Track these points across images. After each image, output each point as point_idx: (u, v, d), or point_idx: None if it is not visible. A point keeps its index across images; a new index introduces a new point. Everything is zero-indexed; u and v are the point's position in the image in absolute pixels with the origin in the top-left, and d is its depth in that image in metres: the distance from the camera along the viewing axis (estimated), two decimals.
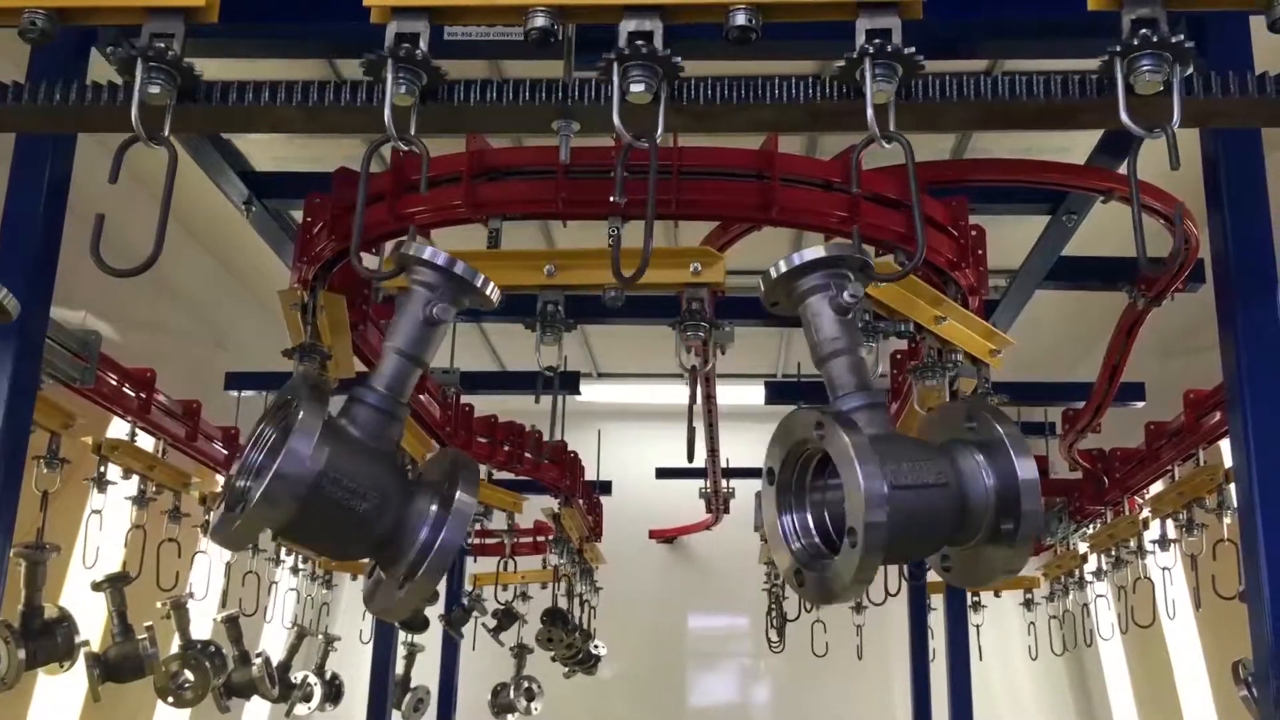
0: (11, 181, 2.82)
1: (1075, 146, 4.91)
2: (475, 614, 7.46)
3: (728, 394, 6.51)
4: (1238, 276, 2.56)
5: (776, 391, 6.86)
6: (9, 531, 2.71)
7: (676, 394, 8.76)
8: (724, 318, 4.08)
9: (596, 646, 8.02)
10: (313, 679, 7.41)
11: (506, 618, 7.31)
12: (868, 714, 11.11)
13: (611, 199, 2.67)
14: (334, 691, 7.66)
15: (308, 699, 7.38)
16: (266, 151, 5.52)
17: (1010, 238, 4.61)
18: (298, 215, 3.56)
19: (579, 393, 5.88)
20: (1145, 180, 3.41)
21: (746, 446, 7.43)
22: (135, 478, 4.69)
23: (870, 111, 1.86)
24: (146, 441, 4.68)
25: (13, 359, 2.66)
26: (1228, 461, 4.61)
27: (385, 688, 6.46)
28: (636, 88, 1.89)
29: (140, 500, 4.73)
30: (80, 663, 4.32)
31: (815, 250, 1.95)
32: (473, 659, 7.80)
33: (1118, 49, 1.80)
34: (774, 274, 1.96)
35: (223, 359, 6.53)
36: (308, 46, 3.68)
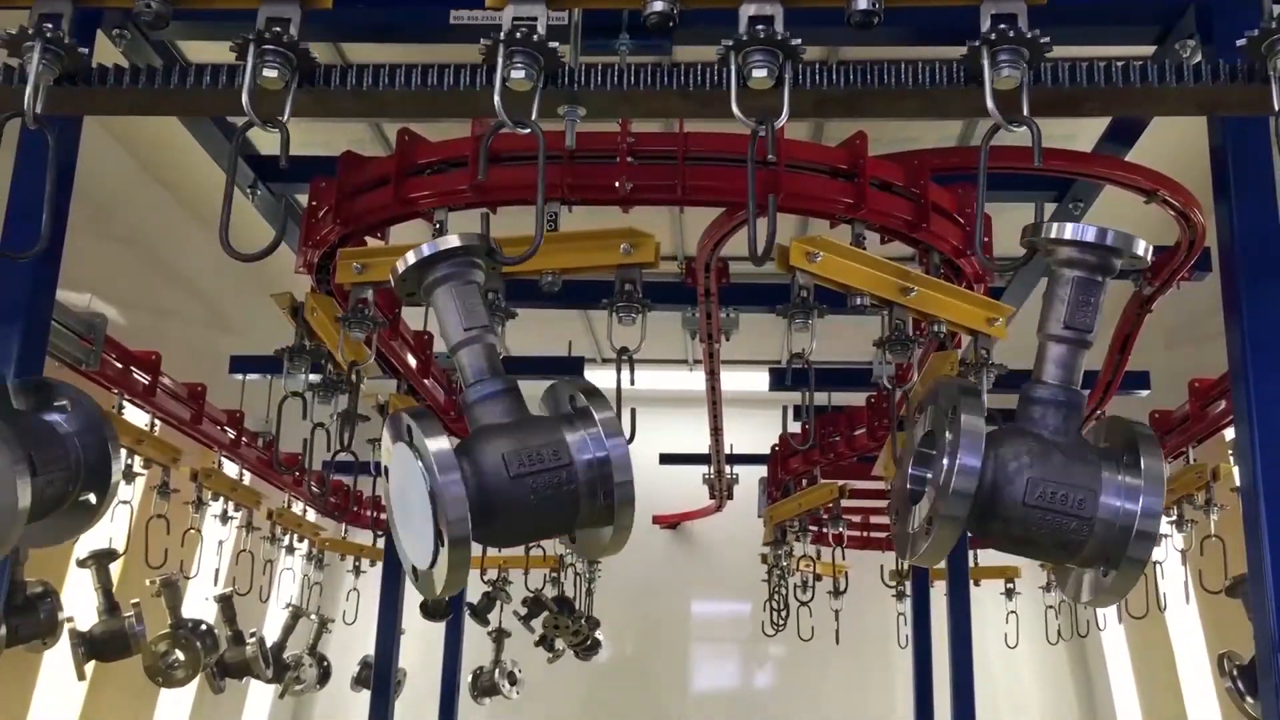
0: (18, 165, 2.82)
1: (1080, 135, 4.90)
2: (500, 602, 7.51)
3: (731, 380, 6.50)
4: (1244, 265, 2.55)
5: (780, 378, 6.85)
6: None
7: (681, 380, 8.79)
8: (729, 304, 4.10)
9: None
10: (308, 660, 7.46)
11: (535, 606, 7.35)
12: (870, 699, 11.14)
13: (617, 184, 2.68)
14: (324, 673, 7.71)
15: (301, 680, 7.42)
16: (270, 135, 5.51)
17: (1016, 225, 4.60)
18: (302, 199, 3.56)
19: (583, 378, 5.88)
20: (1152, 168, 3.42)
21: (750, 433, 7.43)
22: (122, 451, 4.64)
23: (991, 98, 1.85)
24: (137, 416, 4.65)
25: (19, 341, 2.66)
26: (1228, 453, 4.64)
27: (389, 672, 6.46)
28: (759, 73, 1.88)
29: (127, 475, 4.69)
30: (65, 640, 4.30)
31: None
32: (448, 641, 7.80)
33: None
34: (1088, 235, 1.89)
35: (227, 342, 6.54)
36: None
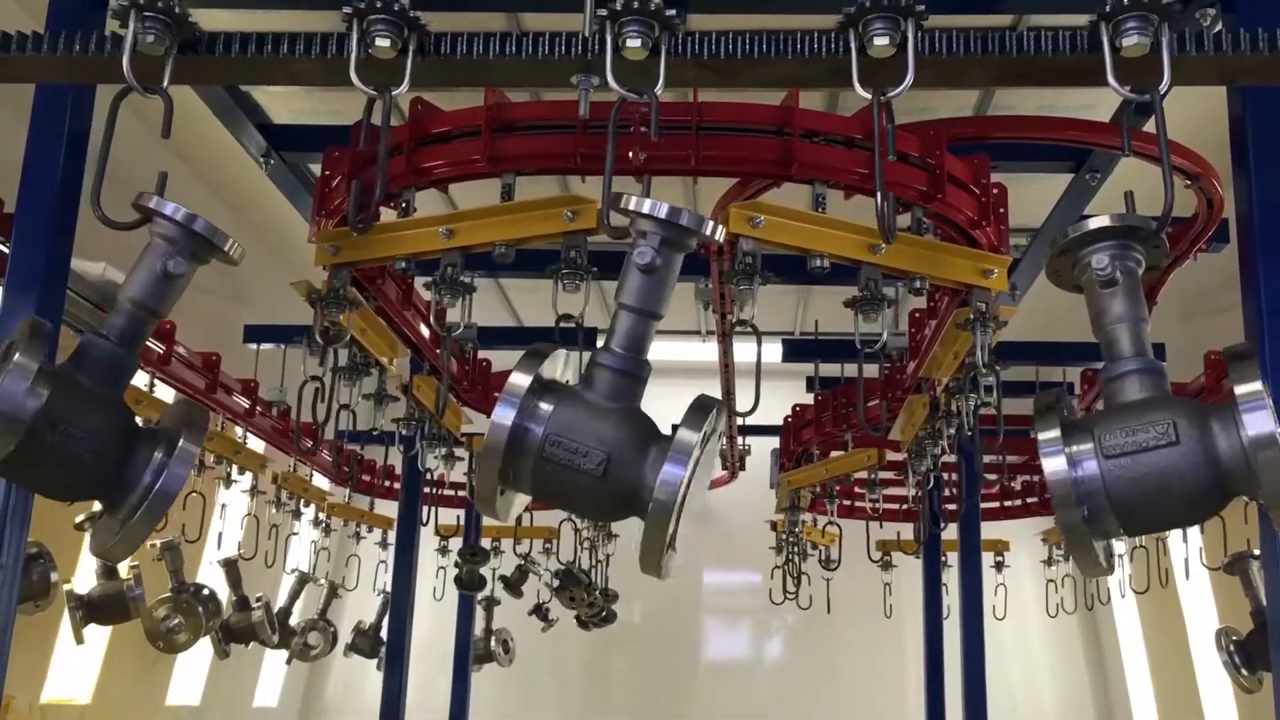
0: (32, 134, 2.82)
1: (1099, 105, 4.86)
2: (532, 574, 7.56)
3: (744, 352, 6.50)
4: (1262, 237, 2.54)
5: (794, 349, 6.85)
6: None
7: (696, 350, 8.76)
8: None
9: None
10: (322, 625, 7.52)
11: (567, 578, 7.39)
12: (882, 668, 11.19)
13: (631, 155, 2.67)
14: (333, 638, 7.78)
15: (310, 645, 7.48)
16: (284, 104, 5.50)
17: (1032, 196, 4.58)
18: (316, 168, 3.55)
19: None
20: (1172, 139, 3.39)
21: (762, 404, 7.43)
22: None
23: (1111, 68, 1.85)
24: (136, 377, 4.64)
25: (35, 309, 2.68)
26: None
27: (403, 642, 6.50)
28: (880, 40, 1.88)
29: None
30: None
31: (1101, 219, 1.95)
32: (438, 609, 7.83)
33: None
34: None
35: (241, 312, 6.55)
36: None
